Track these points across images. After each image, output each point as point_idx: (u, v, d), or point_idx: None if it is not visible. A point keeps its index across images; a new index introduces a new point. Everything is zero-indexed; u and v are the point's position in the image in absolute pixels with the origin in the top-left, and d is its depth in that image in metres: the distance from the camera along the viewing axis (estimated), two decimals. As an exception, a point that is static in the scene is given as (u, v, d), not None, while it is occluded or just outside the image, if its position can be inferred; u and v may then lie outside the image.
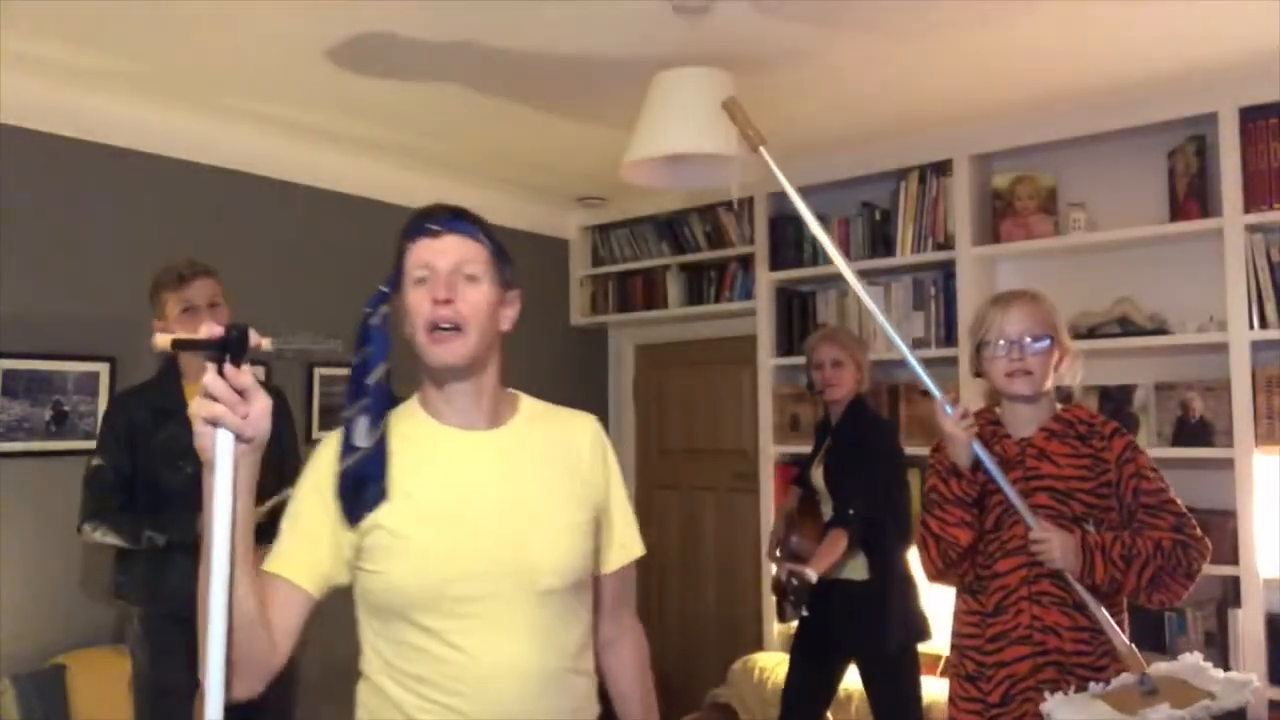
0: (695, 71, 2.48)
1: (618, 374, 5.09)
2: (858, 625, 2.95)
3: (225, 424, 1.10)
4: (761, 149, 1.96)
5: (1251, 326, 2.97)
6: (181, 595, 2.53)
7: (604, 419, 5.56)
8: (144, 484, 2.55)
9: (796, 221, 4.05)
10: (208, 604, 1.13)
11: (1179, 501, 1.98)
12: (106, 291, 3.15)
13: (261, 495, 2.68)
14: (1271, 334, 2.95)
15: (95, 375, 3.12)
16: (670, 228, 4.59)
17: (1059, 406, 2.09)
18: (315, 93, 3.10)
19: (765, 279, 4.10)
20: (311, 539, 1.33)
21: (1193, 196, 3.14)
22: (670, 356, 4.90)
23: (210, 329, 1.11)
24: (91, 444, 2.69)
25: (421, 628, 1.31)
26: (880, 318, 1.96)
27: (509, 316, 1.45)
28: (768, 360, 4.07)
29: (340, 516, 1.32)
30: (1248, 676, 1.78)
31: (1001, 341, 2.03)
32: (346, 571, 1.35)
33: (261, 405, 1.14)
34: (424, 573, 1.30)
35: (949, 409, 1.93)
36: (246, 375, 1.13)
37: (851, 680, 3.18)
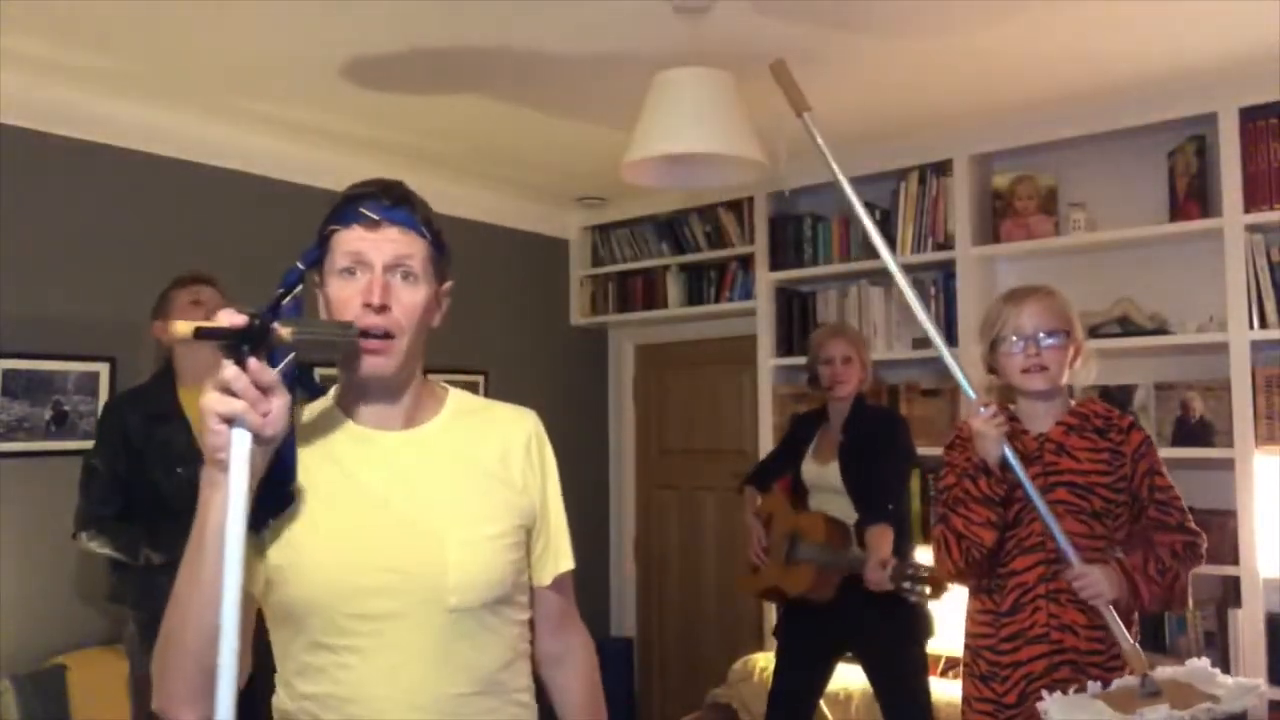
0: (695, 71, 2.47)
1: (618, 374, 5.09)
2: (877, 623, 2.93)
3: (245, 422, 1.00)
4: (805, 115, 1.88)
5: (1251, 326, 2.97)
6: None
7: (604, 419, 5.57)
8: (140, 487, 2.56)
9: (796, 221, 4.05)
10: (198, 613, 1.06)
11: (1180, 496, 2.01)
12: (106, 291, 3.15)
13: None
14: (1271, 334, 2.95)
15: (95, 375, 3.11)
16: (670, 228, 4.59)
17: (1072, 401, 2.09)
18: (315, 93, 3.10)
19: (765, 279, 4.10)
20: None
21: (1193, 196, 3.14)
22: (670, 356, 4.90)
23: (232, 317, 1.00)
24: (91, 444, 2.68)
25: (319, 645, 1.19)
26: (920, 311, 1.86)
27: (442, 312, 1.31)
28: (768, 360, 4.07)
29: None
30: (1255, 681, 1.78)
31: (1016, 338, 2.02)
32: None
33: (282, 402, 1.03)
34: (318, 586, 1.17)
35: (982, 408, 1.90)
36: (270, 370, 1.02)
37: (851, 680, 3.18)
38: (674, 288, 4.59)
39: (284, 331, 1.03)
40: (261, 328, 1.01)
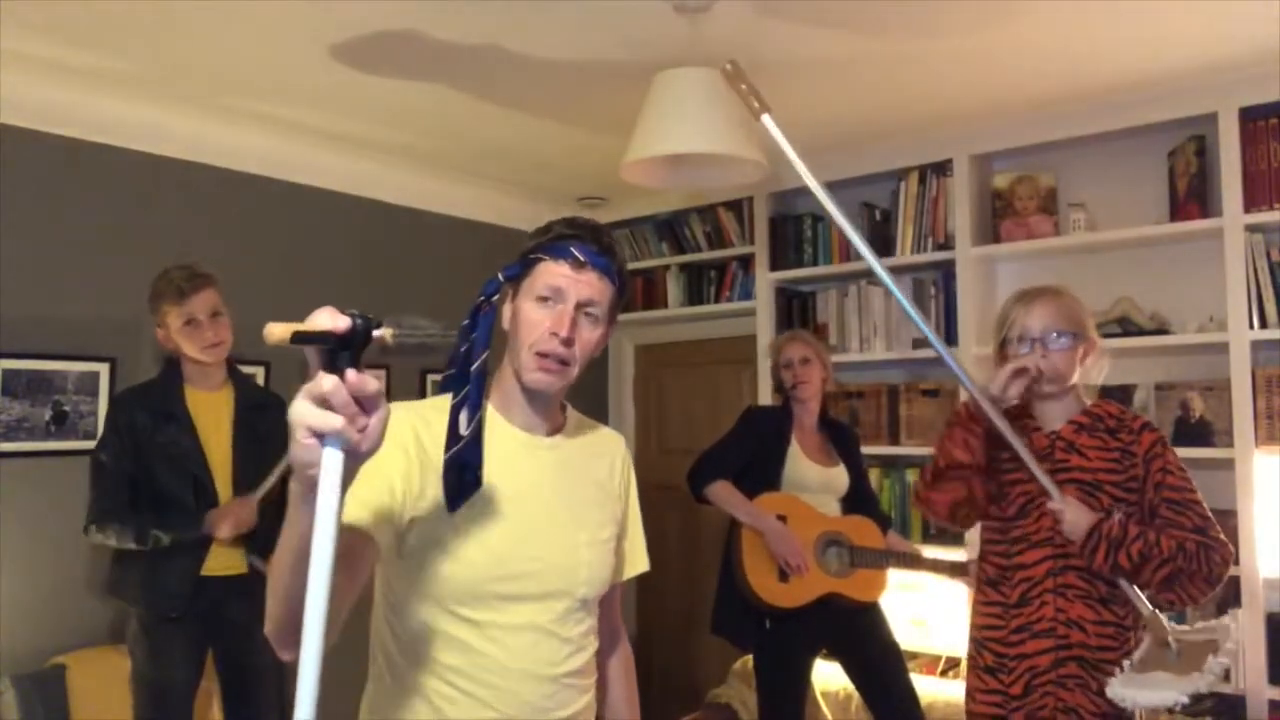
0: (695, 71, 2.47)
1: (618, 374, 5.09)
2: (868, 624, 3.01)
3: (341, 440, 0.89)
4: (765, 117, 1.85)
5: (1251, 326, 2.97)
6: (180, 597, 2.54)
7: (604, 419, 5.59)
8: (145, 483, 2.57)
9: (796, 221, 4.06)
10: (284, 619, 1.11)
11: (1205, 504, 1.95)
12: (106, 291, 3.14)
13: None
14: (1271, 334, 2.95)
15: (95, 375, 3.11)
16: (670, 228, 4.59)
17: (1087, 401, 2.10)
18: (316, 93, 3.10)
19: (765, 279, 4.10)
20: (390, 494, 1.27)
21: (1193, 196, 3.14)
22: (670, 356, 4.90)
23: (334, 320, 0.89)
24: (91, 444, 2.69)
25: (461, 619, 1.32)
26: (904, 300, 1.86)
27: (604, 344, 1.47)
28: (768, 360, 4.06)
29: (420, 496, 1.30)
30: (1225, 620, 1.86)
31: (1024, 339, 2.04)
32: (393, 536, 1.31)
33: (382, 416, 0.93)
34: (477, 566, 1.31)
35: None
36: (373, 380, 0.91)
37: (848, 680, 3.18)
38: (674, 288, 4.59)
39: (386, 334, 0.92)
40: (365, 332, 0.90)
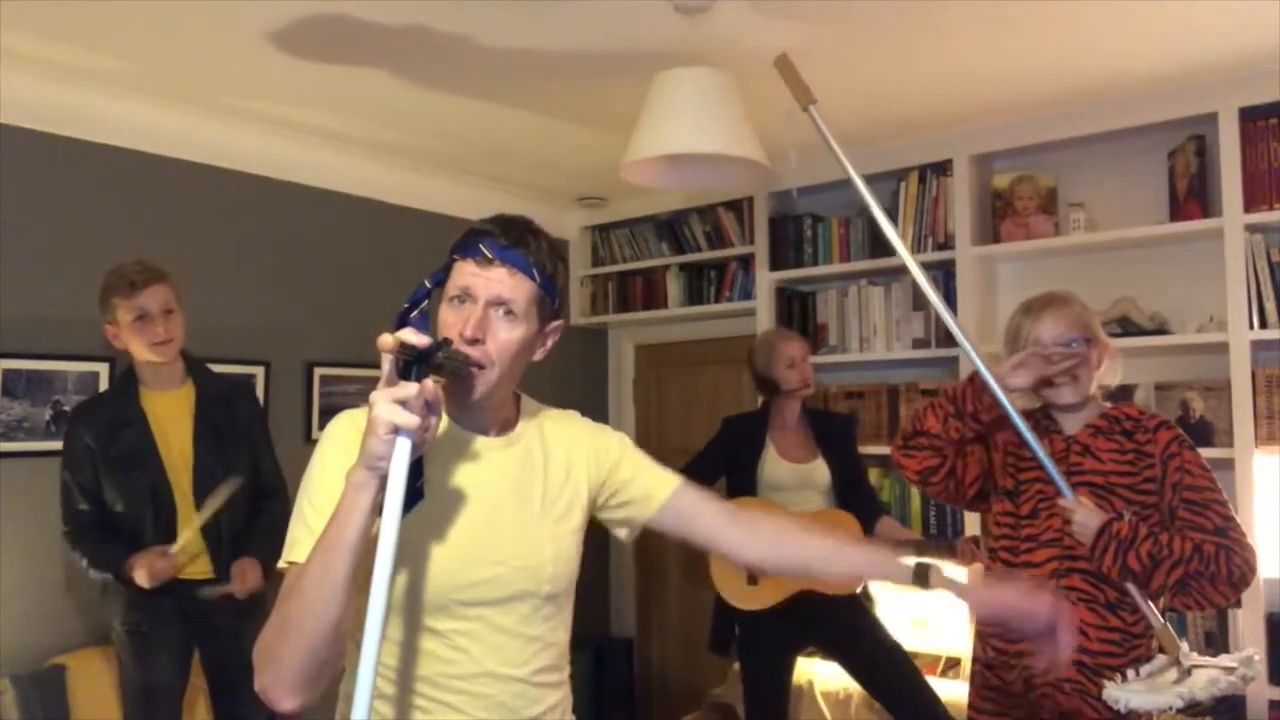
0: (695, 71, 2.48)
1: (618, 374, 5.09)
2: (855, 623, 2.98)
3: (412, 435, 1.10)
4: (811, 109, 1.90)
5: (1251, 326, 2.98)
6: (161, 600, 2.53)
7: (604, 419, 5.57)
8: (109, 490, 2.56)
9: (796, 221, 4.06)
10: (323, 605, 1.12)
11: (1228, 505, 1.91)
12: (106, 291, 3.14)
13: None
14: (1271, 334, 2.95)
15: (95, 375, 3.11)
16: (670, 228, 4.59)
17: (1107, 404, 2.08)
18: (315, 93, 3.10)
19: (765, 279, 4.10)
20: None
21: (1193, 196, 3.14)
22: (670, 356, 4.90)
23: (419, 337, 1.12)
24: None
25: (428, 630, 1.31)
26: (936, 301, 1.92)
27: (545, 349, 1.42)
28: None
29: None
30: (1249, 651, 1.82)
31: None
32: None
33: (438, 420, 1.15)
34: (436, 577, 1.29)
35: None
36: (437, 388, 1.13)
37: (851, 680, 3.18)
38: (674, 288, 4.59)
39: (440, 355, 1.15)
40: (437, 350, 1.13)
